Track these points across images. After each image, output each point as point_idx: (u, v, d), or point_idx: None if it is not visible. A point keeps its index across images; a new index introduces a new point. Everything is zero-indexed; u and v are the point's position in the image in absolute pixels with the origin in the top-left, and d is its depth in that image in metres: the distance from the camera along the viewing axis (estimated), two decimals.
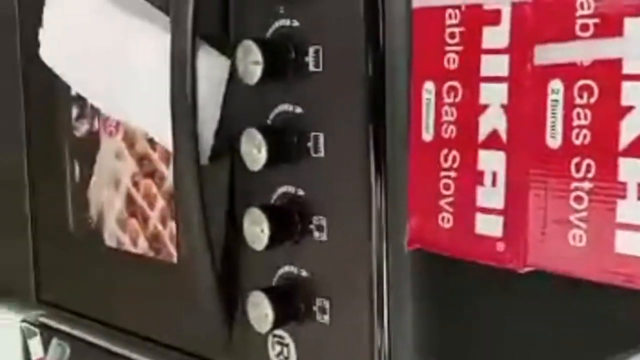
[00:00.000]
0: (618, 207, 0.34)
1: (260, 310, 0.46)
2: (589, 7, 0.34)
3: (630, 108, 0.33)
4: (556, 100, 0.35)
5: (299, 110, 0.45)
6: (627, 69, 0.33)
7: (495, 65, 0.36)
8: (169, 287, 0.55)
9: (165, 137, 0.48)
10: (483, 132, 0.37)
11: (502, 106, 0.36)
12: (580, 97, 0.34)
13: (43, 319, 0.69)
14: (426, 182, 0.39)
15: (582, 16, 0.34)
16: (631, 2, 0.33)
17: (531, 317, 0.47)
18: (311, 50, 0.44)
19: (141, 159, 0.56)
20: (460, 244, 0.38)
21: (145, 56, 0.50)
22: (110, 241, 0.60)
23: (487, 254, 0.37)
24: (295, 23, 0.44)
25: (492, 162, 0.37)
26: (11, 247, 0.72)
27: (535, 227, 0.36)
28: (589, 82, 0.34)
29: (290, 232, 0.46)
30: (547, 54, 0.35)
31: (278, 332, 0.47)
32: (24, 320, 0.70)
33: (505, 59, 0.36)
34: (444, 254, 0.39)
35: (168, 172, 0.54)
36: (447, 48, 0.38)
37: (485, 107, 0.37)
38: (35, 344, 0.69)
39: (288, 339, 0.47)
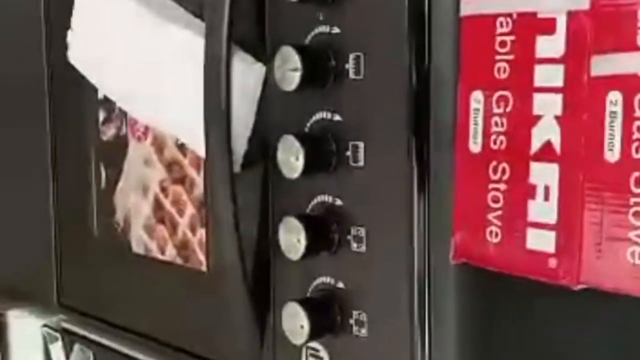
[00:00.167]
0: None
1: (295, 322, 0.45)
2: None
3: None
4: (614, 112, 0.34)
5: (337, 118, 0.44)
6: None
7: (549, 75, 0.35)
8: (198, 296, 0.54)
9: (197, 144, 0.47)
10: (536, 144, 0.36)
11: (556, 117, 0.35)
12: None
13: (65, 324, 0.68)
14: (473, 194, 0.38)
15: None
16: None
17: (581, 337, 0.46)
18: (351, 57, 0.43)
19: (170, 165, 0.55)
20: (510, 259, 0.37)
21: (179, 61, 0.49)
22: (137, 247, 0.59)
23: (538, 270, 0.36)
24: (336, 30, 0.43)
25: (544, 175, 0.36)
26: (33, 251, 0.71)
27: (590, 243, 0.35)
28: None
29: (327, 242, 0.45)
30: (605, 64, 0.34)
31: (312, 344, 0.46)
32: (45, 325, 0.69)
33: (560, 69, 0.35)
34: (490, 269, 0.38)
35: (199, 179, 0.53)
36: (498, 57, 0.37)
37: (539, 117, 0.36)
38: (57, 350, 0.68)
39: (323, 352, 0.46)
